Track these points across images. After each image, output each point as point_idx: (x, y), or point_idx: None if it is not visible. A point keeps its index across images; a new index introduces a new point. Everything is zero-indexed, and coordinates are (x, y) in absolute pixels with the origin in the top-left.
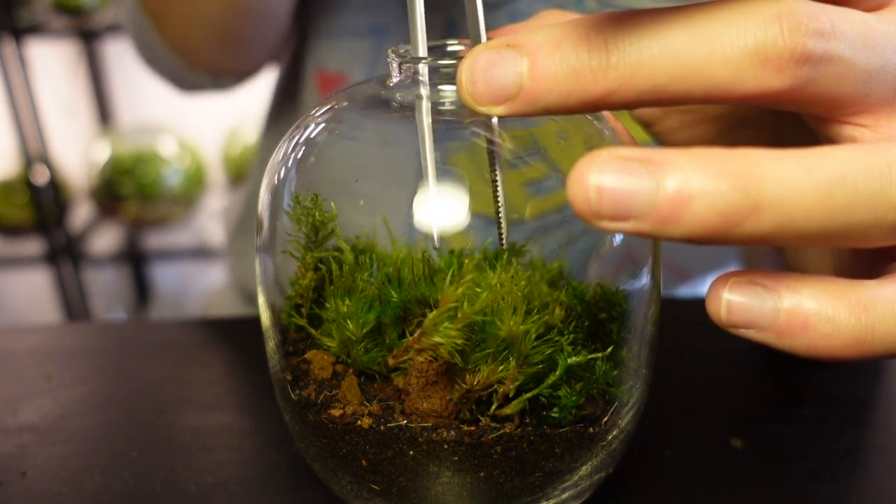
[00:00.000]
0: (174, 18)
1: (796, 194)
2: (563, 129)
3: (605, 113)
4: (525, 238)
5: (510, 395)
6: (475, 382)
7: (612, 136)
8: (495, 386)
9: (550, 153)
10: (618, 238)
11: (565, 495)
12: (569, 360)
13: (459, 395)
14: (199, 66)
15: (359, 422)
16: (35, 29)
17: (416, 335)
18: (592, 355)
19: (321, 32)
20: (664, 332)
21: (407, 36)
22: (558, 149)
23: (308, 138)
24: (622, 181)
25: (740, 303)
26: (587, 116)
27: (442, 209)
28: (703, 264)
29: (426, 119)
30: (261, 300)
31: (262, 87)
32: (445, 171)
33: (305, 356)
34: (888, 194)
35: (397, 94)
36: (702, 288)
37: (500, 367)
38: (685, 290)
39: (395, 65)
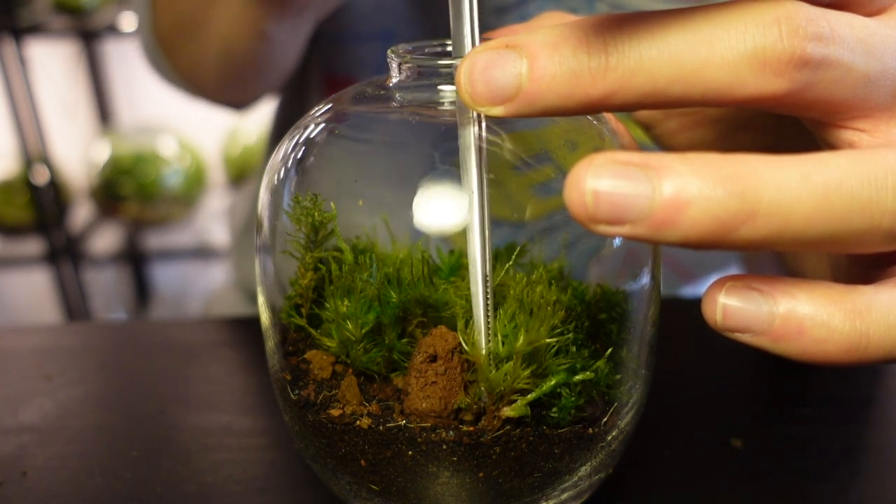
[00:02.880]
0: (184, 56)
1: (793, 200)
2: (568, 131)
3: (607, 114)
4: (530, 239)
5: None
6: (496, 390)
7: (614, 138)
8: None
9: (555, 154)
10: (620, 238)
11: (565, 496)
12: (574, 378)
13: (489, 413)
14: (208, 97)
15: (358, 422)
16: (35, 29)
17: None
18: (596, 364)
19: (329, 37)
20: (664, 333)
21: (414, 39)
22: (563, 150)
23: (308, 138)
24: (619, 185)
25: (736, 307)
26: (589, 118)
27: (446, 209)
28: (708, 264)
29: (473, 134)
30: (261, 300)
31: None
32: (447, 172)
33: (305, 356)
34: (884, 201)
35: (397, 94)
36: (705, 288)
37: (528, 381)
38: (690, 290)
39: (394, 65)
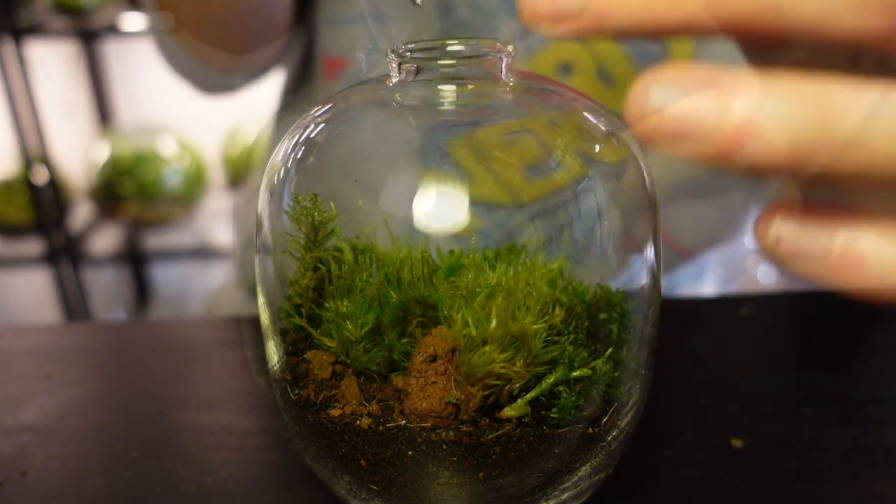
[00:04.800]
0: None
1: (880, 131)
2: (555, 118)
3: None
4: (525, 221)
5: (514, 393)
6: (480, 375)
7: (607, 127)
8: (500, 385)
9: (544, 137)
10: (614, 221)
11: (565, 496)
12: (572, 375)
13: (465, 396)
14: (210, 63)
15: (358, 422)
16: (35, 29)
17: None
18: (594, 363)
19: (324, 20)
20: (664, 332)
21: (406, 22)
22: (551, 134)
23: (308, 138)
24: (686, 102)
25: (792, 235)
26: (583, 113)
27: (446, 208)
28: (705, 241)
29: None
30: (261, 300)
31: (263, 87)
32: (446, 164)
33: (305, 356)
34: None
35: (397, 94)
36: (705, 264)
37: (504, 365)
38: (688, 268)
39: (394, 65)
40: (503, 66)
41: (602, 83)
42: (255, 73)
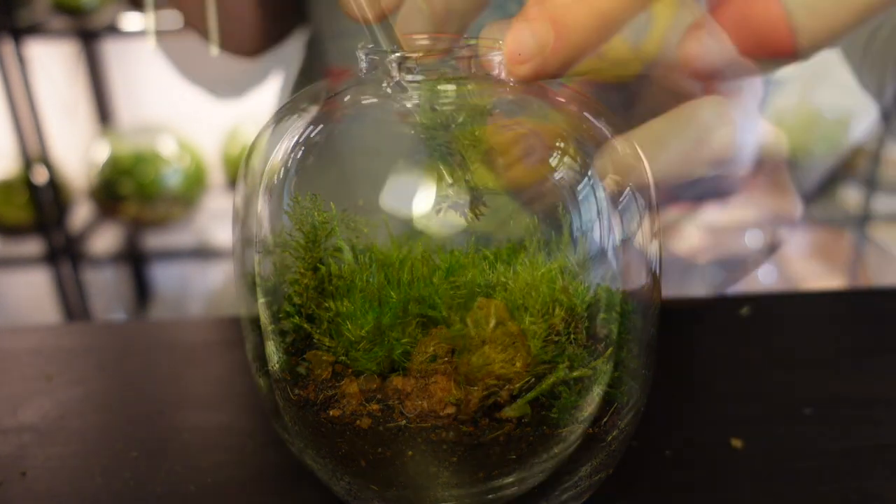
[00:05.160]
0: None
1: None
2: (555, 117)
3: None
4: (522, 212)
5: (514, 393)
6: (480, 376)
7: (607, 126)
8: (500, 385)
9: (544, 136)
10: (613, 220)
11: (565, 496)
12: (572, 375)
13: (464, 396)
14: (197, 73)
15: (358, 422)
16: (35, 29)
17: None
18: (594, 363)
19: (328, 35)
20: (664, 332)
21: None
22: (551, 133)
23: (308, 138)
24: None
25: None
26: (583, 112)
27: (443, 197)
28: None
29: None
30: (261, 300)
31: (263, 88)
32: (446, 163)
33: (305, 356)
34: None
35: (397, 94)
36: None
37: (503, 365)
38: (685, 267)
39: (394, 65)
40: (503, 65)
41: (601, 63)
42: (240, 86)
